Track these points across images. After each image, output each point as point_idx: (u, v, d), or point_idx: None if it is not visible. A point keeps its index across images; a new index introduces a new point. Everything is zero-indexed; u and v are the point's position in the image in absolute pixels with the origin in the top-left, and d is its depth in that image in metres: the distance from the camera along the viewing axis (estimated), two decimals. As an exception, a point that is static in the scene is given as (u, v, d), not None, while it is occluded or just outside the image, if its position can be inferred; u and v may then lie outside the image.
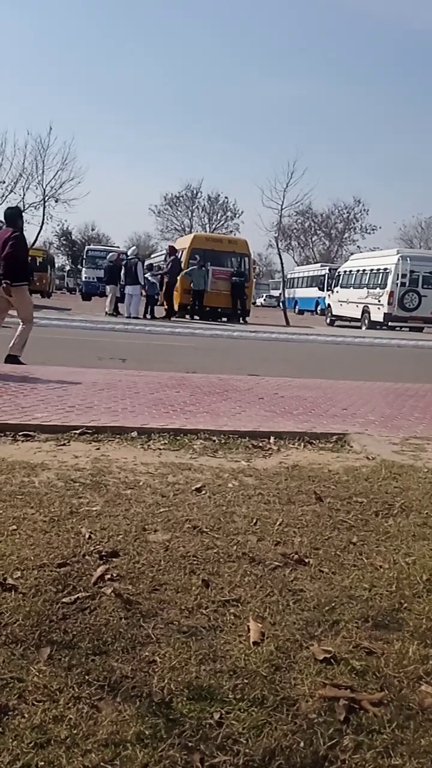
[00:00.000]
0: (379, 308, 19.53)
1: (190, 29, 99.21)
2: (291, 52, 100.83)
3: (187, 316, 18.88)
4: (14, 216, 7.32)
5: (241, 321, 18.45)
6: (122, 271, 17.50)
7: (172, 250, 19.05)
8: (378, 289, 19.70)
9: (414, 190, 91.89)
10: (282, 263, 24.81)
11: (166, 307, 18.20)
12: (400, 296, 18.81)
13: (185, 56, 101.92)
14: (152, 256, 21.60)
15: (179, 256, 18.58)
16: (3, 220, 7.82)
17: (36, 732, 1.39)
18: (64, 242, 64.35)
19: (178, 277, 17.98)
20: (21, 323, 7.19)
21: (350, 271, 22.80)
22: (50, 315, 15.34)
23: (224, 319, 18.66)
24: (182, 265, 18.21)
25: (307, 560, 2.31)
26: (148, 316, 17.65)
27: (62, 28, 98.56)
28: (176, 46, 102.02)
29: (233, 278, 18.30)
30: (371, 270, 20.74)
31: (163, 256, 20.58)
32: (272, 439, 4.11)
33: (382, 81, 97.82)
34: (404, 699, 1.58)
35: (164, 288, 18.06)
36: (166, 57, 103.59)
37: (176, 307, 18.65)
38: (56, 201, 21.69)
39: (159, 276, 18.45)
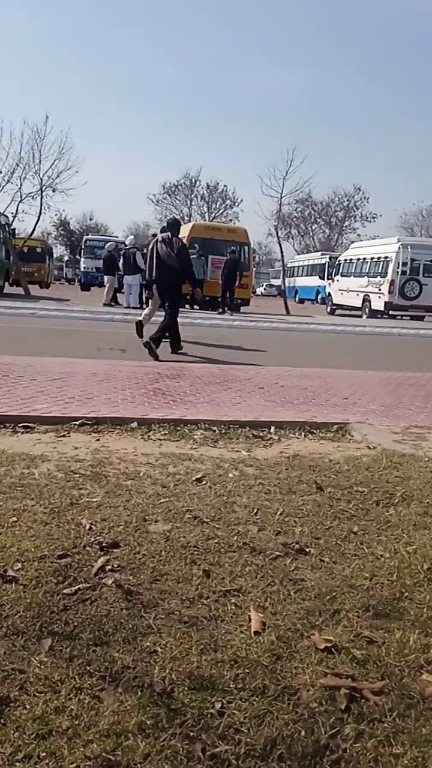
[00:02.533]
0: (379, 297, 19.45)
1: (190, 18, 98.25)
2: (291, 39, 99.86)
3: (187, 306, 18.81)
4: None
5: (227, 312, 17.12)
6: (121, 261, 17.40)
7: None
8: (378, 278, 19.62)
9: (415, 178, 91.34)
10: (282, 252, 24.70)
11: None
12: (401, 285, 18.72)
13: (185, 45, 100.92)
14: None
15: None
16: None
17: (37, 723, 1.39)
18: (63, 232, 64.02)
19: None
20: None
21: (351, 259, 22.69)
22: (49, 306, 15.29)
23: (221, 310, 18.53)
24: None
25: (307, 550, 2.31)
26: (144, 306, 17.58)
27: (60, 16, 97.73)
28: (176, 35, 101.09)
29: (224, 267, 17.23)
30: (372, 258, 20.63)
31: None
32: (273, 429, 4.11)
33: (383, 68, 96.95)
34: (405, 688, 1.58)
35: None
36: (165, 45, 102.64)
37: None
38: (54, 191, 21.47)
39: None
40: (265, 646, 1.71)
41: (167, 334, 7.96)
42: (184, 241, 18.44)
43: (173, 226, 8.14)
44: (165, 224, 8.42)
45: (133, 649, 1.68)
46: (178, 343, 8.11)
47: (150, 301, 8.83)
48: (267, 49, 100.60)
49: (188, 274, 8.06)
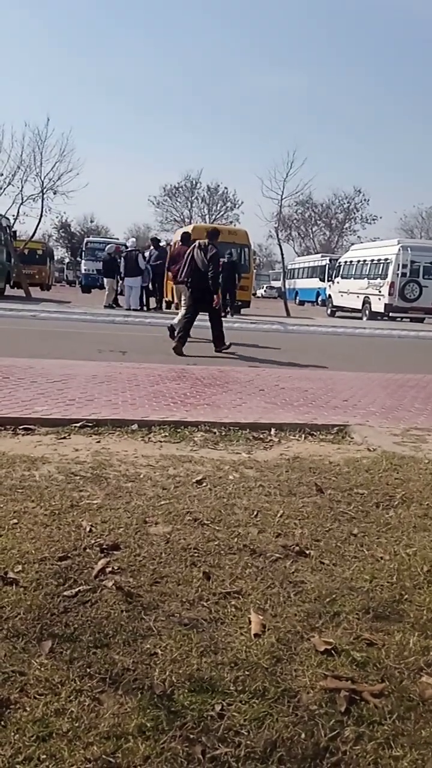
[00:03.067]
0: (379, 299, 19.46)
1: (190, 19, 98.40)
2: (291, 40, 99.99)
3: None
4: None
5: (228, 314, 15.99)
6: (122, 263, 17.40)
7: (155, 242, 18.78)
8: (379, 280, 19.62)
9: (415, 180, 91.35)
10: (282, 254, 24.70)
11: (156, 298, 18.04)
12: (401, 287, 18.73)
13: (185, 46, 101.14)
14: (150, 248, 21.51)
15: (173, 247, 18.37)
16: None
17: (38, 725, 1.39)
18: (63, 234, 64.08)
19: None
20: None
21: (351, 261, 22.70)
22: (50, 308, 15.31)
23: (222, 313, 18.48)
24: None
25: (308, 552, 2.31)
26: (144, 308, 17.58)
27: (60, 16, 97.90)
28: (176, 35, 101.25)
29: (222, 270, 16.68)
30: (372, 260, 20.64)
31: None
32: (273, 431, 4.11)
33: (384, 70, 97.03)
34: (405, 690, 1.58)
35: (151, 281, 17.75)
36: (166, 47, 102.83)
37: (175, 299, 18.55)
38: (55, 193, 21.49)
39: (152, 267, 18.17)
40: (265, 648, 1.71)
41: (180, 332, 8.58)
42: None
43: (213, 234, 9.07)
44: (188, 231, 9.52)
45: (133, 651, 1.68)
46: (183, 343, 8.56)
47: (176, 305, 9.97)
48: (267, 49, 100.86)
49: (214, 279, 8.70)
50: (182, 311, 9.22)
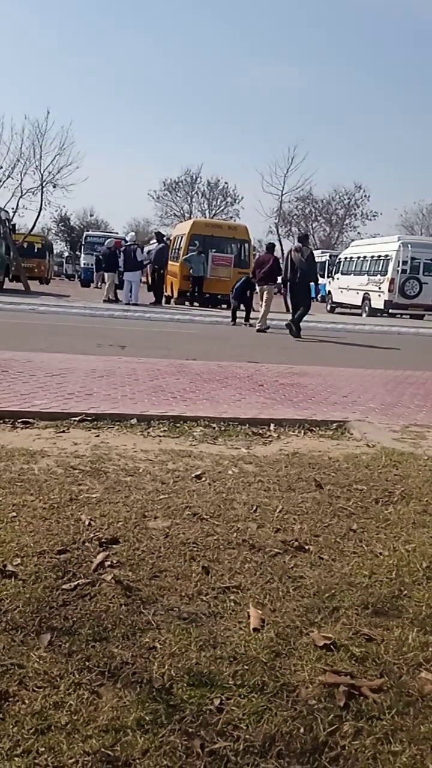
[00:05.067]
0: (379, 295, 19.44)
1: (191, 14, 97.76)
2: (292, 37, 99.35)
3: (187, 303, 18.79)
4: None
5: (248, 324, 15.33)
6: (121, 258, 17.36)
7: (158, 237, 18.72)
8: (379, 276, 19.60)
9: (415, 176, 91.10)
10: (282, 250, 24.67)
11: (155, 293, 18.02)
12: (401, 283, 18.71)
13: (186, 41, 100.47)
14: (151, 242, 21.27)
15: (177, 242, 18.31)
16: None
17: (36, 718, 1.39)
18: (63, 228, 63.94)
19: (178, 263, 17.84)
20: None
21: (351, 257, 22.66)
22: (49, 302, 15.28)
23: (224, 306, 18.48)
24: (181, 252, 18.07)
25: (307, 547, 2.31)
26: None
27: (62, 11, 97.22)
28: (177, 31, 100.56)
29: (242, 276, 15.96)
30: (372, 257, 20.61)
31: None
32: (272, 427, 4.11)
33: (385, 65, 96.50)
34: (404, 685, 1.58)
35: (152, 275, 17.71)
36: (166, 42, 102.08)
37: (175, 294, 18.53)
38: (54, 186, 21.45)
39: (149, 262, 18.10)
40: (264, 643, 1.71)
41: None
42: (184, 237, 18.49)
43: (304, 239, 11.63)
44: (300, 236, 12.07)
45: (132, 644, 1.68)
46: (299, 331, 11.29)
47: (261, 303, 12.48)
48: (268, 44, 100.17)
49: (313, 277, 11.53)
50: (264, 308, 12.16)
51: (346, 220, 53.66)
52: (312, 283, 11.75)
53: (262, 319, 12.17)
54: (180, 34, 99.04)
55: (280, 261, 12.08)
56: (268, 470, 3.17)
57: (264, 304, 12.27)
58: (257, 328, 12.04)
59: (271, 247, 12.97)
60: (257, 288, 12.79)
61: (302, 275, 10.96)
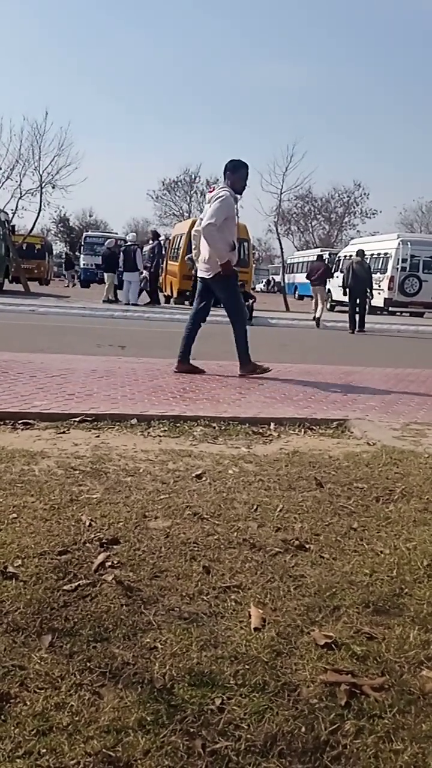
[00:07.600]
0: (379, 293, 19.44)
1: (190, 13, 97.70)
2: (291, 34, 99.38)
3: (187, 303, 18.76)
4: None
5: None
6: (121, 258, 17.36)
7: (154, 235, 18.67)
8: (378, 274, 19.59)
9: (415, 174, 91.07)
10: (281, 248, 24.69)
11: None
12: (401, 281, 18.74)
13: (185, 40, 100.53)
14: (150, 242, 21.31)
15: (176, 241, 18.25)
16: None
17: (38, 719, 1.39)
18: (62, 229, 63.82)
19: (177, 263, 17.83)
20: None
21: (350, 255, 22.64)
22: (48, 302, 15.28)
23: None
24: (180, 251, 18.06)
25: (307, 546, 2.31)
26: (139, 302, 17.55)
27: (59, 10, 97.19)
28: (175, 30, 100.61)
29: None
30: (371, 255, 20.59)
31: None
32: (272, 426, 4.11)
33: (384, 63, 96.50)
34: (405, 684, 1.58)
35: (148, 275, 17.67)
36: (165, 41, 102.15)
37: (175, 294, 18.52)
38: (53, 187, 21.45)
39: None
40: (265, 642, 1.71)
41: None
42: (184, 237, 18.47)
43: (362, 253, 14.92)
44: (358, 250, 15.51)
45: (133, 645, 1.68)
46: (362, 327, 14.24)
47: (315, 302, 16.10)
48: (267, 43, 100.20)
49: (370, 284, 14.55)
50: (321, 307, 15.69)
51: (345, 218, 53.63)
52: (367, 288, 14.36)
53: (320, 312, 15.57)
54: (180, 32, 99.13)
55: (331, 267, 16.34)
56: (268, 469, 3.17)
57: (320, 301, 15.86)
58: (315, 317, 15.58)
59: (320, 257, 16.91)
60: (310, 289, 16.30)
61: (363, 282, 14.20)
